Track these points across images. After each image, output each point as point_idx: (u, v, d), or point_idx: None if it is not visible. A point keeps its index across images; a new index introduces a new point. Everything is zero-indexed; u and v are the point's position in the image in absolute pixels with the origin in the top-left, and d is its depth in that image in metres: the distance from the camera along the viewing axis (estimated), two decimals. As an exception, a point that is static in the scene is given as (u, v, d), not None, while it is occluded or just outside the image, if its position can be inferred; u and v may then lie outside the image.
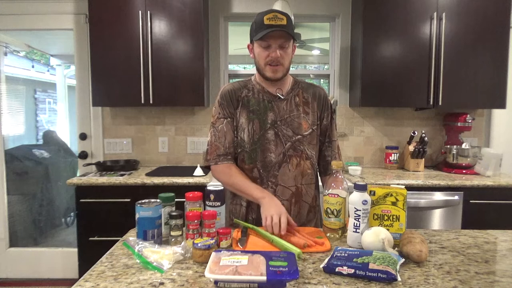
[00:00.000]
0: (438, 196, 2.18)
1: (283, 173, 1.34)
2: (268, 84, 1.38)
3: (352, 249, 1.00)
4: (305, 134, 1.37)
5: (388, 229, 1.04)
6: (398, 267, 0.89)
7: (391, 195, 1.09)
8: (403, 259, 0.95)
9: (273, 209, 1.17)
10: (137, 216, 1.07)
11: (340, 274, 0.88)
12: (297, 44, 1.40)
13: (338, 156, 1.45)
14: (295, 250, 1.01)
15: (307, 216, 1.40)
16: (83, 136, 2.79)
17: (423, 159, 2.54)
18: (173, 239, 1.11)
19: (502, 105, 2.42)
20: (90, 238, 2.23)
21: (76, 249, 2.27)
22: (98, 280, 0.86)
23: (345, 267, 0.88)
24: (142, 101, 2.40)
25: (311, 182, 1.41)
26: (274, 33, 1.25)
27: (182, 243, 1.02)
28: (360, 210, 1.05)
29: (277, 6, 2.39)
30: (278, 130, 1.35)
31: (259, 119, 1.35)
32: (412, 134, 2.53)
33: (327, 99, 1.44)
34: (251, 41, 1.36)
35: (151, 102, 2.41)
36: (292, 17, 2.40)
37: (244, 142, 1.35)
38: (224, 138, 1.36)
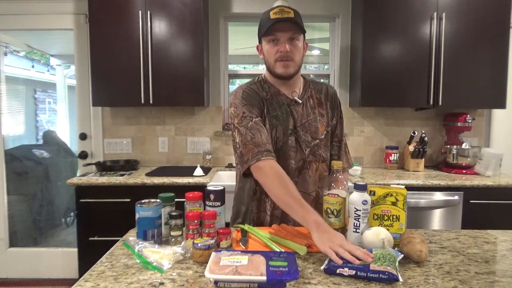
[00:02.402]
0: (438, 196, 2.18)
1: (304, 179, 1.29)
2: (282, 85, 1.31)
3: (352, 249, 1.00)
4: (322, 137, 1.32)
5: (388, 229, 1.04)
6: (397, 264, 0.89)
7: (391, 195, 1.09)
8: (402, 255, 0.95)
9: (336, 239, 0.95)
10: (137, 216, 1.07)
11: (341, 275, 0.88)
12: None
13: (345, 154, 1.41)
14: (301, 248, 1.01)
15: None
16: (83, 136, 2.79)
17: (423, 159, 2.54)
18: (173, 239, 1.11)
19: (502, 105, 2.43)
20: (90, 238, 2.23)
21: (76, 249, 2.27)
22: (98, 280, 0.86)
23: (346, 269, 0.87)
24: (142, 101, 2.40)
25: None
26: (281, 25, 1.18)
27: (182, 243, 1.02)
28: (360, 210, 1.05)
29: (277, 6, 2.39)
30: (298, 136, 1.29)
31: (282, 126, 1.27)
32: (412, 134, 2.53)
33: (337, 97, 1.40)
34: (260, 41, 1.29)
35: (151, 102, 2.41)
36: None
37: None
38: (259, 134, 1.18)
